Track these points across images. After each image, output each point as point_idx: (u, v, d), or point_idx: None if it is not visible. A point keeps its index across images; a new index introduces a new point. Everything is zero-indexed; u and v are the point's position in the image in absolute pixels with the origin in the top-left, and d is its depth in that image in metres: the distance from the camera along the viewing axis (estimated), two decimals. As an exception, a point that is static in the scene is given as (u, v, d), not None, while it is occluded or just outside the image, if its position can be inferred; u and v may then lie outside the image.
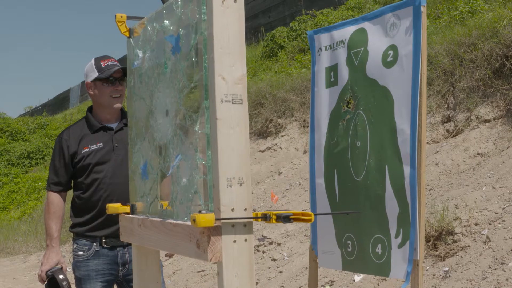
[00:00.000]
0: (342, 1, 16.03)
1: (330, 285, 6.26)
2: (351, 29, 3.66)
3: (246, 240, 2.25)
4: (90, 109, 4.28)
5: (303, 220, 2.24)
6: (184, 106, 2.46)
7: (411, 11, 3.28)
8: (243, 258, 2.24)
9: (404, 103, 3.29)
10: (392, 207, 3.35)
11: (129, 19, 3.07)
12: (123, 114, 4.23)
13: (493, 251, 5.23)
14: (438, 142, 7.92)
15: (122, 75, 4.10)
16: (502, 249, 5.18)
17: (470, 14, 9.76)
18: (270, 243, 7.82)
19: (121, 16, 3.06)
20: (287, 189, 9.33)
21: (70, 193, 4.24)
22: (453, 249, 5.55)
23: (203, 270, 8.28)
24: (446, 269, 5.39)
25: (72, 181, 4.22)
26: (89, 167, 4.08)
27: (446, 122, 8.16)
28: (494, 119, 7.42)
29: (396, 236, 3.32)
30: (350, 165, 3.61)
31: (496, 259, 5.12)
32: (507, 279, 4.84)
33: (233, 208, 2.21)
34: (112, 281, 4.19)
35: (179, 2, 2.50)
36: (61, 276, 3.98)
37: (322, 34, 3.86)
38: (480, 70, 7.84)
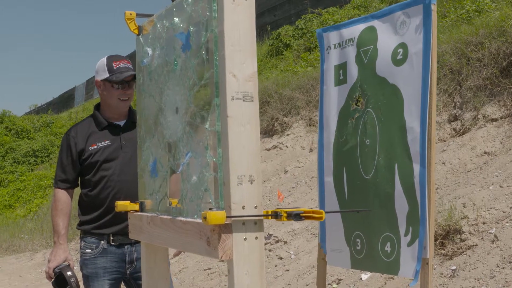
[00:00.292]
0: (348, -1, 16.01)
1: (337, 284, 6.26)
2: (360, 27, 3.65)
3: (256, 238, 2.24)
4: (97, 107, 4.27)
5: (314, 218, 2.24)
6: (194, 104, 2.45)
7: (421, 9, 3.27)
8: (253, 256, 2.23)
9: (414, 101, 3.28)
10: (401, 205, 3.34)
11: (138, 17, 3.07)
12: (130, 111, 4.22)
13: (501, 250, 5.22)
14: (445, 141, 7.90)
15: (132, 78, 4.08)
16: (510, 248, 5.17)
17: (477, 13, 9.74)
18: (277, 241, 7.82)
19: (130, 14, 3.06)
20: (293, 187, 9.32)
21: (77, 191, 4.24)
22: (461, 248, 5.54)
23: (210, 268, 8.29)
24: (454, 268, 5.38)
25: (79, 179, 4.22)
26: (96, 164, 4.08)
27: (453, 121, 8.14)
28: (501, 118, 7.41)
29: (406, 235, 3.31)
30: (359, 163, 3.60)
31: (504, 258, 5.11)
32: (515, 278, 4.84)
33: (243, 206, 2.20)
34: (120, 279, 4.19)
35: (190, 0, 2.49)
36: (69, 273, 3.98)
37: (331, 32, 3.85)
38: (487, 69, 7.82)
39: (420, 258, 3.24)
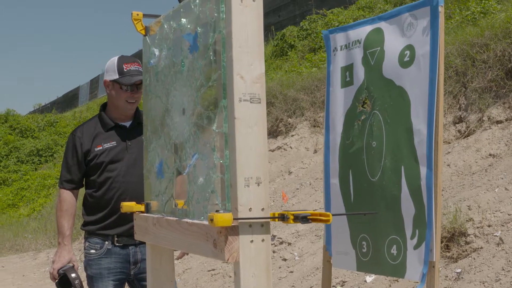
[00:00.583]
0: (353, 0, 16.01)
1: (342, 286, 6.24)
2: (367, 29, 3.64)
3: (263, 240, 2.23)
4: (103, 107, 4.26)
5: (320, 221, 2.23)
6: (201, 105, 2.44)
7: (429, 11, 3.25)
8: (260, 258, 2.22)
9: (420, 103, 3.27)
10: (408, 208, 3.33)
11: (145, 17, 3.06)
12: (137, 112, 4.21)
13: (506, 252, 5.20)
14: (449, 143, 7.89)
15: (142, 82, 4.06)
16: (515, 251, 5.16)
17: (482, 14, 9.73)
18: (281, 243, 7.81)
19: (137, 14, 3.05)
20: (298, 188, 9.31)
21: (81, 191, 4.23)
22: (466, 250, 5.52)
23: (213, 269, 8.28)
24: (459, 270, 5.37)
25: (84, 179, 4.21)
26: (102, 165, 4.07)
27: (458, 123, 8.13)
28: (506, 120, 7.39)
29: (412, 237, 3.30)
30: (365, 165, 3.59)
31: (510, 260, 5.09)
32: (520, 281, 4.82)
33: (250, 208, 2.19)
34: (124, 280, 4.18)
35: (197, 1, 2.48)
36: (73, 275, 3.97)
37: (338, 34, 3.84)
38: (493, 70, 7.81)
39: (427, 261, 3.23)
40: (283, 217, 2.25)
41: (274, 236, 7.95)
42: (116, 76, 4.06)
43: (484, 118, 7.64)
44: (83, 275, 4.14)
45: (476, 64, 8.08)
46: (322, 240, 7.17)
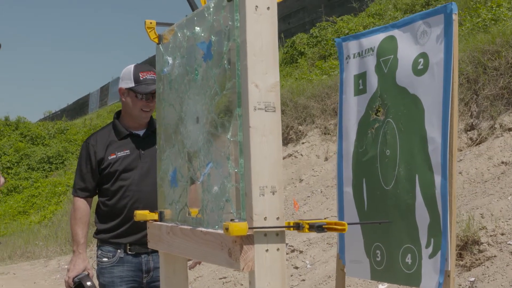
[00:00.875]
0: (363, 7, 16.00)
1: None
2: (380, 37, 3.63)
3: (278, 249, 2.22)
4: (117, 115, 4.26)
5: (336, 230, 2.22)
6: (215, 113, 2.44)
7: (443, 18, 3.24)
8: (275, 267, 2.21)
9: (434, 111, 3.25)
10: (422, 217, 3.31)
11: (159, 26, 3.06)
12: (150, 121, 4.21)
13: (520, 261, 5.17)
14: (461, 150, 7.86)
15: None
16: (528, 259, 5.13)
17: (493, 22, 9.71)
18: (293, 251, 7.79)
19: (151, 23, 3.05)
20: (309, 196, 9.29)
21: (94, 199, 4.23)
22: (479, 259, 5.49)
23: (225, 277, 8.26)
24: (472, 279, 5.33)
25: (97, 187, 4.20)
26: (115, 174, 4.07)
27: (470, 130, 8.10)
28: (518, 128, 7.36)
29: (427, 246, 3.28)
30: (379, 173, 3.57)
31: (523, 269, 5.06)
32: (534, 290, 4.79)
33: (265, 217, 2.18)
34: (136, 288, 4.17)
35: (211, 9, 2.48)
36: (88, 283, 3.96)
37: (351, 42, 3.83)
38: (504, 77, 7.78)
39: (442, 270, 3.20)
40: (298, 226, 2.24)
41: (286, 244, 7.92)
42: (132, 84, 4.05)
43: (496, 126, 7.61)
44: (95, 283, 4.14)
45: (487, 71, 8.06)
46: (334, 248, 7.17)
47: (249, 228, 2.16)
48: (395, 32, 3.54)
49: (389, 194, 3.50)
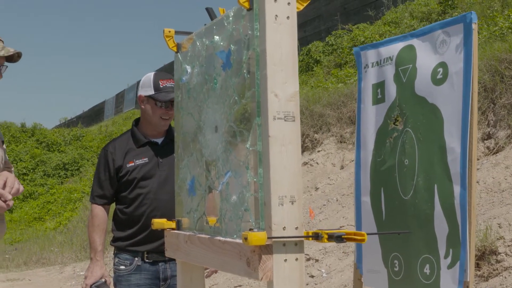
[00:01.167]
0: (379, 16, 15.98)
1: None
2: (399, 46, 3.62)
3: (297, 259, 2.21)
4: (136, 122, 4.26)
5: (355, 240, 2.20)
6: (234, 123, 2.43)
7: (462, 28, 3.23)
8: (294, 277, 2.20)
9: (454, 121, 3.23)
10: (441, 227, 3.29)
11: (177, 34, 3.06)
12: (169, 129, 4.21)
13: (538, 272, 5.13)
14: (478, 160, 7.81)
15: None
16: (547, 270, 5.08)
17: (510, 30, 9.66)
18: (308, 259, 7.77)
19: (169, 31, 3.05)
20: (324, 205, 9.27)
21: (112, 206, 4.24)
22: (497, 269, 5.45)
23: (240, 286, 8.25)
24: (489, 289, 5.30)
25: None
26: (133, 181, 4.07)
27: (487, 139, 8.06)
28: (536, 137, 7.32)
29: (446, 257, 3.26)
30: (397, 183, 3.56)
31: (541, 280, 5.02)
32: (553, 301, 4.74)
33: (284, 227, 2.17)
34: (153, 296, 4.17)
35: (230, 18, 2.48)
36: None
37: (369, 51, 3.83)
38: (522, 86, 7.74)
39: (461, 281, 3.18)
40: (317, 236, 2.23)
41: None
42: (151, 92, 4.06)
43: (513, 135, 7.56)
44: (112, 291, 4.14)
45: (504, 80, 8.02)
46: (350, 257, 7.14)
47: (268, 237, 2.15)
48: (414, 41, 3.53)
49: (408, 204, 3.48)
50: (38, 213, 22.21)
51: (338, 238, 2.20)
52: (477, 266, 5.60)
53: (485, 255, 5.59)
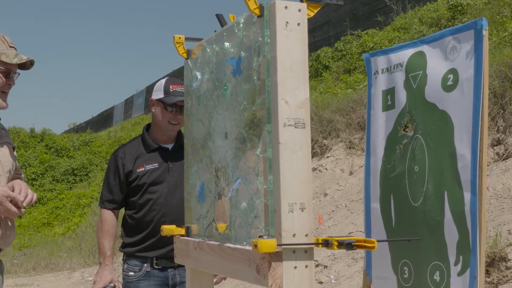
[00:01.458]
0: (388, 21, 15.97)
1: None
2: (409, 52, 3.61)
3: (306, 266, 2.21)
4: (147, 128, 4.27)
5: (365, 247, 2.20)
6: (244, 129, 2.43)
7: (473, 34, 3.22)
8: (303, 285, 2.19)
9: (464, 128, 3.22)
10: (451, 234, 3.27)
11: (187, 41, 3.07)
12: (179, 135, 4.21)
13: (548, 279, 5.10)
14: (488, 166, 7.79)
15: None
16: (557, 277, 5.06)
17: (520, 36, 9.64)
18: (317, 266, 7.75)
19: (179, 38, 3.06)
20: (333, 210, 9.25)
21: (121, 211, 4.24)
22: (506, 276, 5.43)
23: (248, 291, 8.24)
24: (499, 296, 5.28)
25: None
26: (143, 187, 4.07)
27: (496, 145, 8.03)
28: (546, 143, 7.29)
29: (456, 264, 3.24)
30: (407, 190, 3.54)
31: (552, 287, 4.99)
32: None
33: (294, 234, 2.17)
34: (162, 302, 4.16)
35: (241, 25, 2.48)
36: None
37: (379, 57, 3.82)
38: (532, 93, 7.71)
39: (472, 288, 3.16)
40: (327, 243, 2.22)
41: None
42: (161, 96, 4.08)
43: (523, 141, 7.54)
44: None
45: (515, 86, 7.99)
46: (359, 263, 7.13)
47: (278, 245, 2.15)
48: (424, 48, 3.52)
49: (418, 211, 3.47)
50: (47, 219, 22.24)
51: (348, 245, 2.20)
52: (487, 272, 5.58)
53: (494, 261, 5.57)
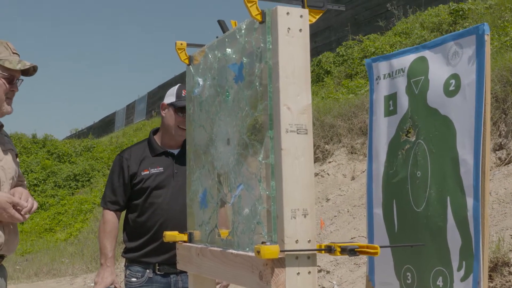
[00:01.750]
0: (389, 26, 15.97)
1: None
2: (411, 57, 3.61)
3: (309, 272, 2.21)
4: (154, 132, 4.28)
5: (368, 253, 2.20)
6: (247, 135, 2.43)
7: (474, 39, 3.22)
8: (306, 291, 2.19)
9: (466, 133, 3.22)
10: (454, 239, 3.27)
11: (189, 47, 3.07)
12: (185, 141, 4.22)
13: (551, 284, 5.09)
14: (490, 170, 7.77)
15: None
16: (560, 282, 5.04)
17: (522, 40, 9.64)
18: (319, 271, 7.74)
19: (181, 44, 3.06)
20: (335, 216, 9.24)
21: (122, 214, 4.23)
22: (510, 281, 5.42)
23: (251, 297, 8.22)
24: (502, 301, 5.26)
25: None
26: (147, 190, 4.06)
27: (498, 150, 8.03)
28: (548, 147, 7.28)
29: (459, 269, 3.24)
30: (410, 195, 3.54)
31: (555, 292, 4.98)
32: None
33: (297, 240, 2.17)
34: (165, 308, 4.15)
35: (243, 31, 2.48)
36: None
37: (381, 62, 3.82)
38: (534, 97, 7.71)
39: (474, 294, 3.16)
40: (330, 249, 2.22)
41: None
42: (173, 99, 4.10)
43: (525, 145, 7.53)
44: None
45: (516, 90, 7.99)
46: (362, 268, 7.12)
47: (281, 251, 2.15)
48: (426, 53, 3.52)
49: (420, 216, 3.46)
50: (49, 224, 22.24)
51: (351, 251, 2.20)
52: (490, 278, 5.57)
53: (497, 266, 5.56)
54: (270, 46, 2.25)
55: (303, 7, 2.28)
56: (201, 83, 2.91)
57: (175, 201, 4.04)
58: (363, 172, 9.78)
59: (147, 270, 4.07)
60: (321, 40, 18.94)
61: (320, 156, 11.34)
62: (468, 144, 3.20)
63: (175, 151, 4.17)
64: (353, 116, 11.13)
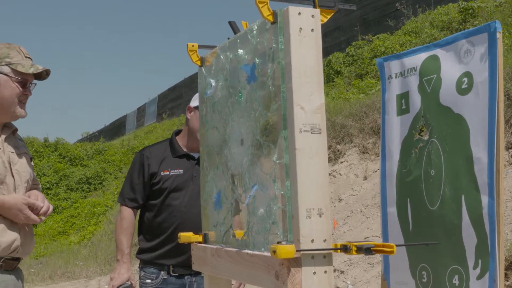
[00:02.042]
0: (399, 26, 15.95)
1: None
2: (422, 56, 3.60)
3: (325, 271, 2.21)
4: (177, 133, 4.27)
5: (384, 252, 2.20)
6: (260, 136, 2.43)
7: (486, 37, 3.21)
8: (322, 290, 2.19)
9: (480, 131, 3.21)
10: (469, 238, 3.26)
11: (201, 48, 3.08)
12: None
13: None
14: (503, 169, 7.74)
15: None
16: None
17: (532, 38, 9.61)
18: (333, 271, 7.72)
19: (193, 45, 3.07)
20: (348, 216, 9.23)
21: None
22: (525, 279, 5.40)
23: (265, 298, 8.21)
24: (518, 299, 5.24)
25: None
26: (165, 191, 4.05)
27: (511, 148, 7.99)
28: (561, 145, 7.25)
29: (475, 267, 3.23)
30: (424, 194, 3.53)
31: None
32: None
33: (312, 239, 2.17)
34: (179, 310, 4.15)
35: (254, 32, 2.49)
36: None
37: (392, 61, 3.81)
38: (546, 94, 7.67)
39: (491, 292, 3.15)
40: (345, 248, 2.22)
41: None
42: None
43: (538, 143, 7.50)
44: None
45: (528, 88, 7.96)
46: (376, 268, 7.10)
47: (297, 250, 2.15)
48: (438, 51, 3.51)
49: (435, 215, 3.46)
50: (62, 227, 22.32)
51: (367, 250, 2.20)
52: (505, 276, 5.54)
53: (512, 265, 5.54)
54: (282, 47, 2.25)
55: (315, 7, 2.28)
56: (213, 84, 2.92)
57: (193, 204, 4.02)
58: (375, 171, 9.77)
59: (162, 272, 4.08)
60: (331, 40, 18.93)
61: (332, 156, 11.33)
62: (481, 142, 3.19)
63: (196, 155, 4.15)
64: (364, 116, 11.12)
